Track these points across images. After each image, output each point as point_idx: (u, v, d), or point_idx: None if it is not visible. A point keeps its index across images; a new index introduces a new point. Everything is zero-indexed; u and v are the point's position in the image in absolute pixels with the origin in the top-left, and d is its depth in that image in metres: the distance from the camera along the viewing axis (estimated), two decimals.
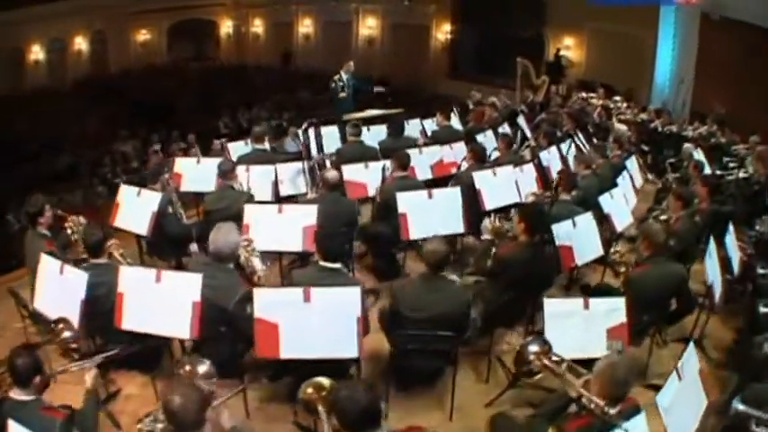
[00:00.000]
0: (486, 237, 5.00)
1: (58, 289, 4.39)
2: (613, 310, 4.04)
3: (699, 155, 8.06)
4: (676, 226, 5.61)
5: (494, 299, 4.65)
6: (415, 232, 5.49)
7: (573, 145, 7.93)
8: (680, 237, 5.46)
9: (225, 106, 17.87)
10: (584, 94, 12.22)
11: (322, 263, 4.37)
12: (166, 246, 6.29)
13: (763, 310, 4.83)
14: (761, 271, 5.46)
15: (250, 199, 6.12)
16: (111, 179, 9.69)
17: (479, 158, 6.73)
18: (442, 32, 18.96)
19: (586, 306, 4.03)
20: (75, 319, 4.11)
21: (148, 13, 24.23)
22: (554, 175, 6.51)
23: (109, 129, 16.02)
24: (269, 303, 3.98)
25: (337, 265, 4.37)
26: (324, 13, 22.44)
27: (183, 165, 7.09)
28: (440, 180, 7.02)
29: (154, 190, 6.33)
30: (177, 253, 6.24)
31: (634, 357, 4.26)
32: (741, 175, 7.92)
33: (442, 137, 8.00)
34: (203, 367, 3.68)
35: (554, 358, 3.48)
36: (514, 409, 4.28)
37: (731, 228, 5.45)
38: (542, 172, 7.06)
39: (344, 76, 10.59)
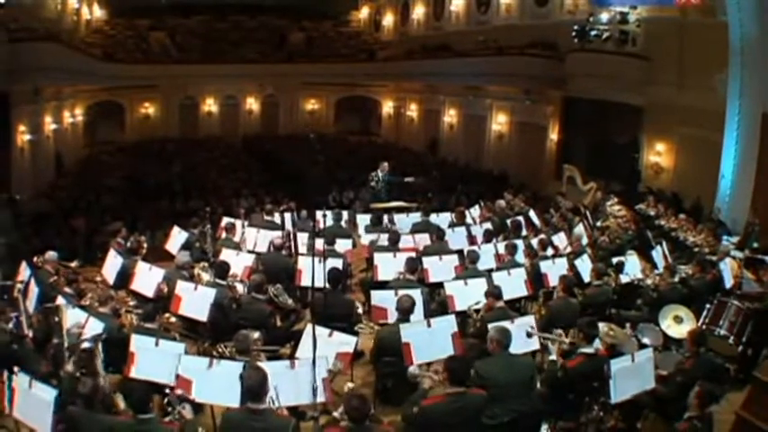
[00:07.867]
0: None
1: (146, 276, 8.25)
2: (345, 343, 6.43)
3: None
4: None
5: None
6: None
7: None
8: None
9: (348, 182, 20.50)
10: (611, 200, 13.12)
11: None
12: None
13: None
14: None
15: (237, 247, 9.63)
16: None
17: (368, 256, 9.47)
18: (555, 134, 20.31)
19: (330, 335, 6.44)
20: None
21: (318, 86, 28.86)
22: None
23: (244, 186, 19.92)
24: None
25: None
26: (465, 105, 25.50)
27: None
28: None
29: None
30: None
31: None
32: (649, 282, 8.52)
33: (417, 228, 10.70)
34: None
35: None
36: None
37: None
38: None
39: (380, 174, 13.66)
